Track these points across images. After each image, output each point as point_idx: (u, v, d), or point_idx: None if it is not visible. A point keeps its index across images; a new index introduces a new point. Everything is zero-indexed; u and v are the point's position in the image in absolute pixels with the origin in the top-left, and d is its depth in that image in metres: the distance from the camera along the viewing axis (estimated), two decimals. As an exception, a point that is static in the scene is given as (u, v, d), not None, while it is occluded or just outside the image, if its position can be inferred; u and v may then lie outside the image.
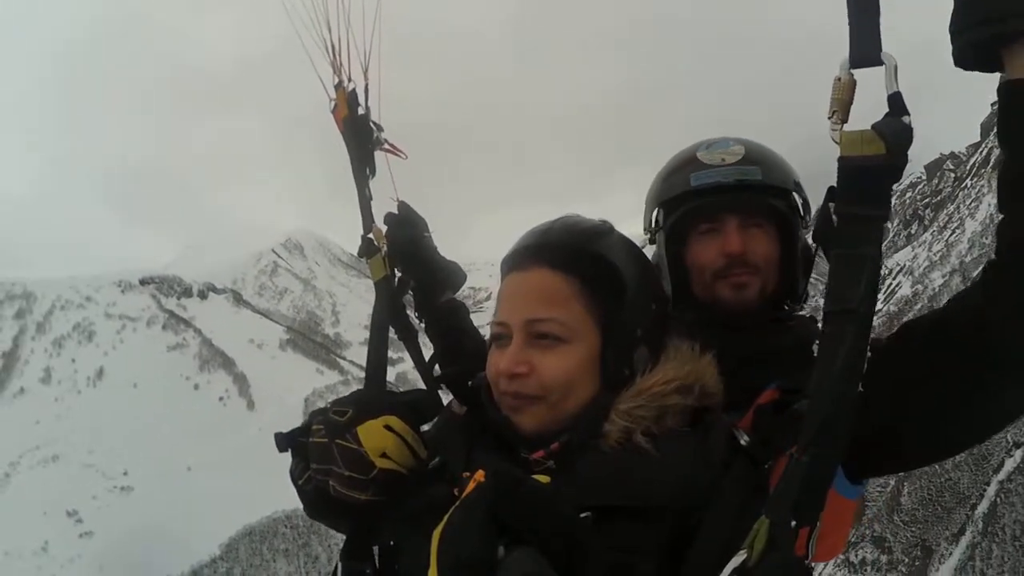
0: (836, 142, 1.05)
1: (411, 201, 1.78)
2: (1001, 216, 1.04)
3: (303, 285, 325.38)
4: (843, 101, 1.06)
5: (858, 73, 1.06)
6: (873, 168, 1.01)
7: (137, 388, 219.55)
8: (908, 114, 1.02)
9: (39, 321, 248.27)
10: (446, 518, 0.96)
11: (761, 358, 1.45)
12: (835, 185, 1.06)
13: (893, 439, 1.15)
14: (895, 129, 1.01)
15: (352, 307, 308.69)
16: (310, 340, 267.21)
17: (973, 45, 1.01)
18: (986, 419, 1.12)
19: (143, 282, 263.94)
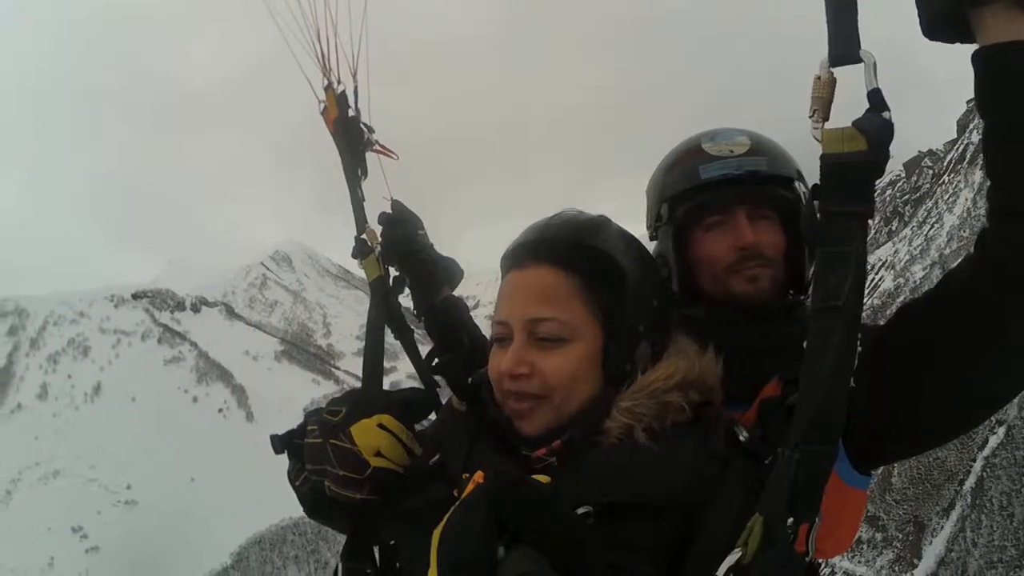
0: (818, 140, 1.04)
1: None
2: (989, 183, 1.03)
3: (293, 297, 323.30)
4: (823, 99, 1.06)
5: (838, 71, 1.06)
6: (855, 165, 1.01)
7: (136, 402, 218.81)
8: (888, 110, 1.02)
9: (32, 337, 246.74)
10: (446, 518, 0.95)
11: (768, 349, 1.43)
12: (818, 183, 1.06)
13: (898, 423, 1.14)
14: (876, 125, 1.01)
15: (343, 318, 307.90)
16: (304, 351, 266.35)
17: (942, 13, 1.01)
18: (989, 391, 1.10)
19: (136, 296, 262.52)
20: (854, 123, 1.03)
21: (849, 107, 1.07)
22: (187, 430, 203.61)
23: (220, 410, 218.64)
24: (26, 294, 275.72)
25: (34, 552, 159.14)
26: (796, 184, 1.60)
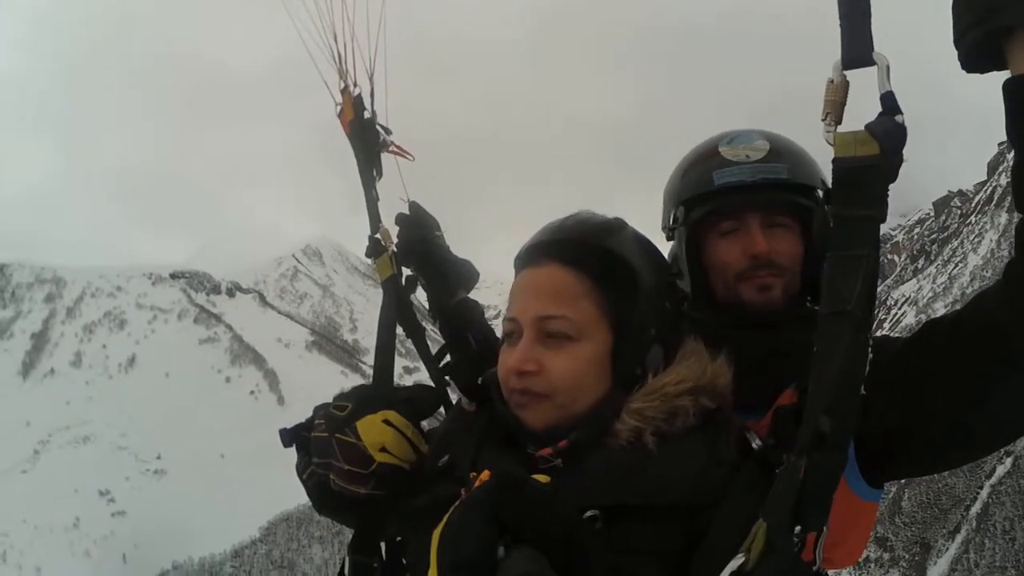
0: (830, 144, 1.03)
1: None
2: (1021, 217, 1.01)
3: (322, 291, 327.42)
4: (836, 103, 1.04)
5: (851, 74, 1.05)
6: (867, 169, 1.00)
7: (169, 377, 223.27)
8: (901, 113, 1.00)
9: (69, 306, 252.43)
10: (446, 518, 0.94)
11: (783, 355, 1.36)
12: (830, 187, 1.05)
13: (910, 440, 1.14)
14: (888, 128, 1.00)
15: (369, 315, 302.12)
16: (333, 343, 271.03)
17: (975, 46, 0.99)
18: (1000, 423, 1.10)
19: (174, 276, 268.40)
20: (867, 127, 1.01)
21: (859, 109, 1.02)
22: (219, 408, 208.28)
23: (252, 392, 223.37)
24: (64, 264, 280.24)
25: (60, 511, 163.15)
26: (817, 191, 1.52)
